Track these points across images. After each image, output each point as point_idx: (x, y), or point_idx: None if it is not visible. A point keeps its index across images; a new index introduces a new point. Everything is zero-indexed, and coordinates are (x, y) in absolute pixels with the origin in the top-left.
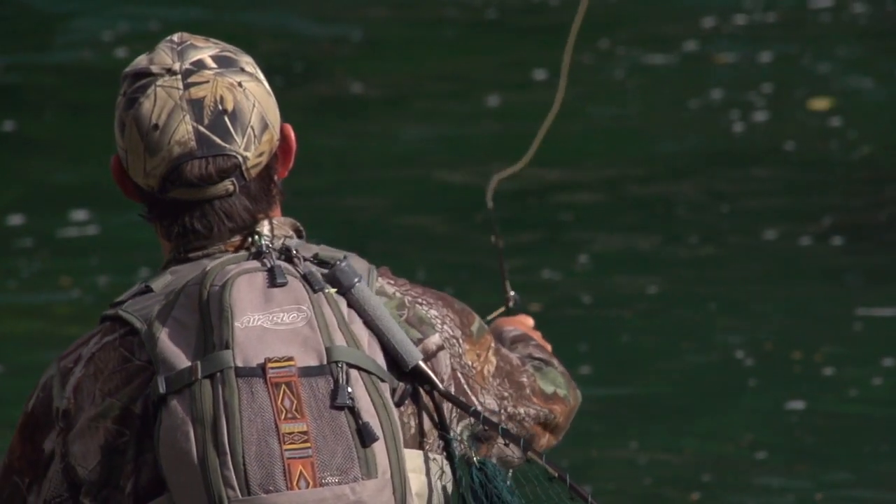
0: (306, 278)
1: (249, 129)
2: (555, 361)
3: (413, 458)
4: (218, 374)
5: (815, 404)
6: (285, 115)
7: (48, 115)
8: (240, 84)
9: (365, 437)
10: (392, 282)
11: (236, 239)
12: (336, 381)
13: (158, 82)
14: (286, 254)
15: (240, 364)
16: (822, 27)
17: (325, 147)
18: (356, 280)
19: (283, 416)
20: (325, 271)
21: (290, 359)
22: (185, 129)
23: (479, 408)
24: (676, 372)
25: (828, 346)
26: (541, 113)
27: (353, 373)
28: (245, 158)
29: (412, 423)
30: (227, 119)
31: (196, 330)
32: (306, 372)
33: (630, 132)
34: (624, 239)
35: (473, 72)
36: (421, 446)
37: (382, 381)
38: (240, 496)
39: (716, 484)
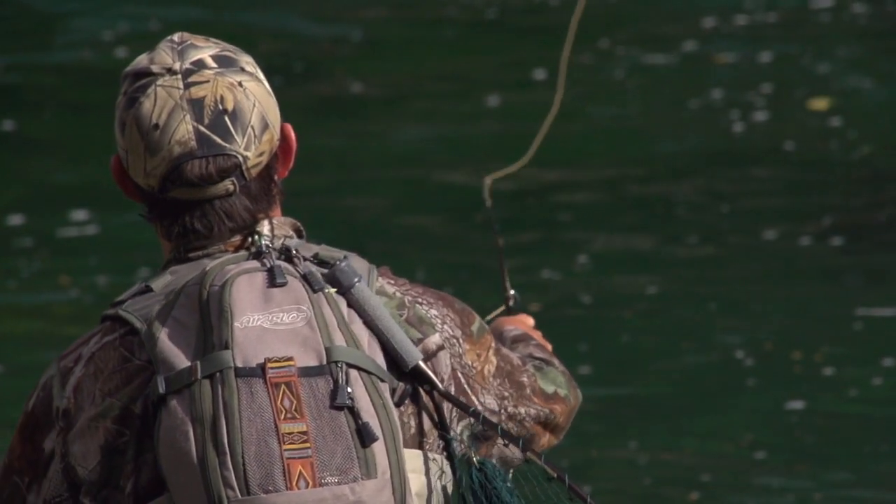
0: (306, 278)
1: (250, 129)
2: (555, 361)
3: (413, 458)
4: (217, 374)
5: (815, 404)
6: (285, 115)
7: (48, 115)
8: (240, 84)
9: (364, 437)
10: (392, 281)
11: (236, 239)
12: (336, 381)
13: (159, 82)
14: (286, 254)
15: (239, 364)
16: (822, 27)
17: (325, 147)
18: (356, 280)
19: (282, 416)
20: (325, 271)
21: (290, 359)
22: (185, 129)
23: (479, 408)
24: (676, 372)
25: (828, 346)
26: (541, 113)
27: (353, 373)
28: (245, 158)
29: (412, 423)
30: (227, 119)
31: (196, 330)
32: (306, 372)
33: (630, 132)
34: (624, 239)
35: (473, 72)
36: (421, 446)
37: (382, 381)
38: (239, 496)
39: (716, 484)
